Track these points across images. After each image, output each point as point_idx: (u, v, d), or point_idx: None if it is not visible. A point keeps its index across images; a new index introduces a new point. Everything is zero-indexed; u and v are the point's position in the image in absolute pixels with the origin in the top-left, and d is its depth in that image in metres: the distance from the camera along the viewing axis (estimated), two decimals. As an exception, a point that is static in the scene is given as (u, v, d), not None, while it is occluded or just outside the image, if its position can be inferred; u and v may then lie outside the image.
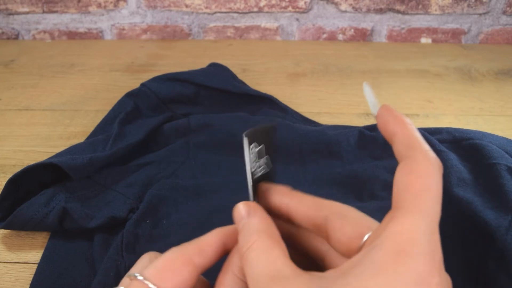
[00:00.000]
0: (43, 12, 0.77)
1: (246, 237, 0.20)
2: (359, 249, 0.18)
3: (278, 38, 0.79)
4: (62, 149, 0.41)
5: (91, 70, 0.67)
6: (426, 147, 0.18)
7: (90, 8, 0.77)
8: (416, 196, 0.16)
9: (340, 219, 0.19)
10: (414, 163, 0.17)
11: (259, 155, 0.22)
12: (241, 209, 0.21)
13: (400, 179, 0.17)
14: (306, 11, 0.76)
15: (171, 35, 0.79)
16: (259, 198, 0.23)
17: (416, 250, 0.15)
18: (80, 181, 0.38)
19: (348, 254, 0.19)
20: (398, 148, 0.18)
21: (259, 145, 0.21)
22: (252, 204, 0.21)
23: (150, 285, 0.19)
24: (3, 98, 0.59)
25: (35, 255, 0.35)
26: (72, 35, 0.79)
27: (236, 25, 0.78)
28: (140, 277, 0.19)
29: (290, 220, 0.22)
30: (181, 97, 0.50)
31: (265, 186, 0.23)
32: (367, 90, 0.21)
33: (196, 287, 0.21)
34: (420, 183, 0.16)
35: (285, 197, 0.22)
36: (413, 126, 0.19)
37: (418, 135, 0.18)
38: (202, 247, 0.21)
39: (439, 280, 0.15)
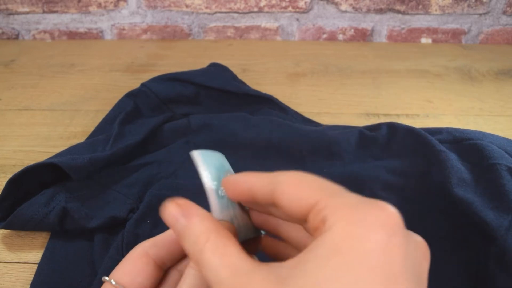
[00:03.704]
0: (43, 12, 0.77)
1: (193, 241, 0.19)
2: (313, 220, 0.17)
3: (278, 38, 0.79)
4: (62, 149, 0.41)
5: (91, 70, 0.67)
6: None
7: (90, 8, 0.77)
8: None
9: (286, 184, 0.19)
10: None
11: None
12: (172, 210, 0.20)
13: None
14: (306, 11, 0.76)
15: (171, 35, 0.79)
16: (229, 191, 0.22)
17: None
18: (80, 181, 0.38)
19: (301, 222, 0.19)
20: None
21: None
22: (182, 202, 0.20)
23: (113, 282, 0.20)
24: (3, 98, 0.59)
25: (35, 255, 0.35)
26: (72, 35, 0.79)
27: (236, 25, 0.78)
28: (106, 278, 0.21)
29: (269, 210, 0.21)
30: (181, 97, 0.50)
31: (229, 178, 0.22)
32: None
33: None
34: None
35: (245, 178, 0.20)
36: None
37: None
38: (156, 240, 0.22)
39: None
